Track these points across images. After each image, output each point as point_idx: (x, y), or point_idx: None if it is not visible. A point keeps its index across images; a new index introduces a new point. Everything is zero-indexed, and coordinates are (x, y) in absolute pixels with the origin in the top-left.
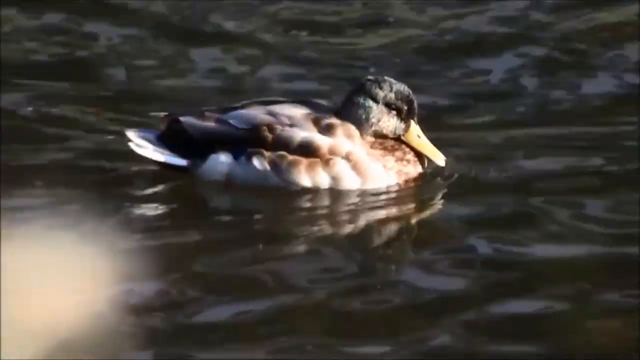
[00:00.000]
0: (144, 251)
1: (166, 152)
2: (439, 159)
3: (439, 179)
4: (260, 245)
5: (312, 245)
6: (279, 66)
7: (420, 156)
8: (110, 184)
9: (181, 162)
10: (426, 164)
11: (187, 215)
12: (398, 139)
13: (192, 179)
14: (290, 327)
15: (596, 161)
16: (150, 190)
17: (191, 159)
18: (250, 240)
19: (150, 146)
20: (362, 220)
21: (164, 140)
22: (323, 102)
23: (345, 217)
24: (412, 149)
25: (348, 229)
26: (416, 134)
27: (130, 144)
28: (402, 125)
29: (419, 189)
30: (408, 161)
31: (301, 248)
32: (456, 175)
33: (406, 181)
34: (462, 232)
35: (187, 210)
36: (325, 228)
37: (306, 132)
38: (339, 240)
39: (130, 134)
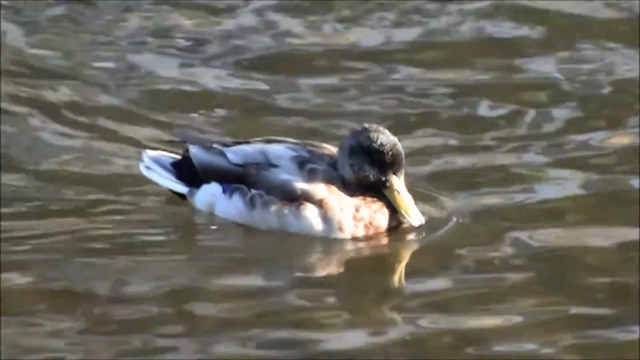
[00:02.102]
0: None
1: (172, 177)
2: (414, 219)
3: (409, 236)
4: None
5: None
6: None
7: (396, 211)
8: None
9: (182, 188)
10: (403, 220)
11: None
12: (380, 191)
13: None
14: None
15: None
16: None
17: (191, 187)
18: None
19: (159, 170)
20: (312, 264)
21: (176, 166)
22: (328, 146)
23: (300, 260)
24: (390, 203)
25: (295, 272)
26: (395, 189)
27: (140, 165)
28: (383, 178)
29: (384, 243)
30: (382, 214)
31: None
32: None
33: (374, 234)
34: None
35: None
36: (274, 269)
37: (287, 175)
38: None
39: (146, 155)
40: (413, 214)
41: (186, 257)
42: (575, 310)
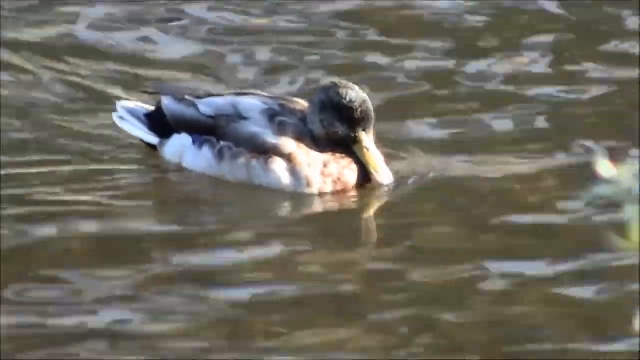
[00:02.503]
0: None
1: (144, 128)
2: (383, 176)
3: (377, 193)
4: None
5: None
6: None
7: (365, 168)
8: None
9: (153, 139)
10: (372, 177)
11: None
12: (349, 147)
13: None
14: None
15: None
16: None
17: (161, 138)
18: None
19: (132, 120)
20: (278, 219)
21: (149, 117)
22: (301, 101)
23: (267, 214)
24: (360, 160)
25: (260, 226)
26: (364, 146)
27: (114, 115)
28: (352, 134)
29: (352, 199)
30: (351, 170)
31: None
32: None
33: (342, 190)
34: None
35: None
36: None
37: (256, 128)
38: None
39: (120, 106)
40: (382, 171)
41: (151, 206)
42: None
